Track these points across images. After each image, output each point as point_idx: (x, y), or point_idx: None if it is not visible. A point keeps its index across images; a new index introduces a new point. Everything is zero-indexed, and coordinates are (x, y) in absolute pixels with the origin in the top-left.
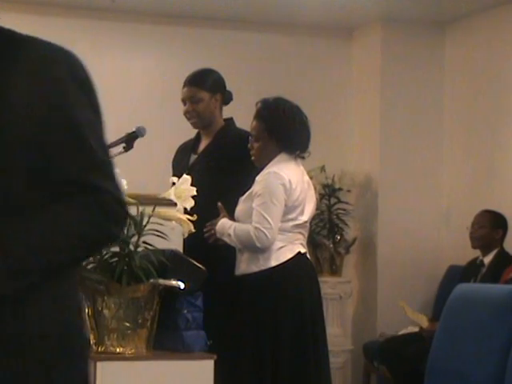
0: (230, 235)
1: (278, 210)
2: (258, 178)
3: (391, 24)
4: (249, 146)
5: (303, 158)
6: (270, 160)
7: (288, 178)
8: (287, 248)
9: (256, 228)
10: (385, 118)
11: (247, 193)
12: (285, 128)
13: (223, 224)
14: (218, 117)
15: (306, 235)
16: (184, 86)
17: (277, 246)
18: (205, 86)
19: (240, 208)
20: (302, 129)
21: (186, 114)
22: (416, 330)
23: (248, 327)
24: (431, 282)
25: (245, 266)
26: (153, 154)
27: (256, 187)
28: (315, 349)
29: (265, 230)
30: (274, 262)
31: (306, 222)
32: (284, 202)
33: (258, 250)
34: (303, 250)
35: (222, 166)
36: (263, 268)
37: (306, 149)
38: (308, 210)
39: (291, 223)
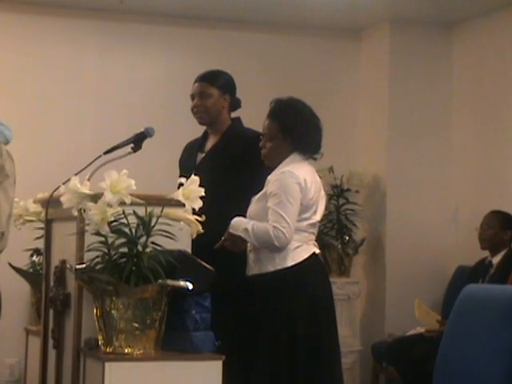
0: (247, 229)
1: (294, 209)
2: (270, 178)
3: (400, 24)
4: (260, 144)
5: (315, 159)
6: (282, 160)
7: (303, 178)
8: (303, 248)
9: (274, 227)
10: (393, 118)
11: (260, 193)
12: (299, 128)
13: (240, 220)
14: (226, 116)
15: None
16: (195, 82)
17: (293, 246)
18: (216, 83)
19: (253, 208)
20: (314, 130)
21: (193, 108)
22: (424, 330)
23: (264, 327)
24: (440, 282)
25: (260, 265)
26: (161, 155)
27: (271, 187)
28: (329, 349)
29: (283, 229)
30: (290, 262)
31: (318, 221)
32: (300, 201)
33: (275, 249)
34: (317, 251)
35: (229, 164)
36: (279, 268)
37: (317, 150)
38: (320, 210)
39: (306, 222)
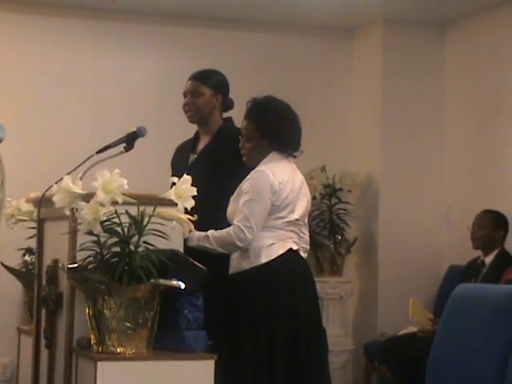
0: (207, 236)
1: (260, 209)
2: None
3: (392, 24)
4: (240, 145)
5: (295, 156)
6: (261, 159)
7: (276, 177)
8: (278, 245)
9: (235, 225)
10: (386, 117)
11: (236, 191)
12: (276, 127)
13: (195, 232)
14: (217, 116)
15: (305, 233)
16: (188, 80)
17: (267, 243)
18: (208, 82)
19: (231, 208)
20: (293, 127)
21: (184, 106)
22: (416, 330)
23: (243, 325)
24: (432, 281)
25: (236, 263)
26: (154, 154)
27: (244, 185)
28: (309, 345)
29: (244, 229)
30: (264, 259)
31: (297, 219)
32: (269, 202)
33: (239, 249)
34: (295, 247)
35: (221, 165)
36: (254, 265)
37: (297, 147)
38: (300, 208)
39: (281, 221)
